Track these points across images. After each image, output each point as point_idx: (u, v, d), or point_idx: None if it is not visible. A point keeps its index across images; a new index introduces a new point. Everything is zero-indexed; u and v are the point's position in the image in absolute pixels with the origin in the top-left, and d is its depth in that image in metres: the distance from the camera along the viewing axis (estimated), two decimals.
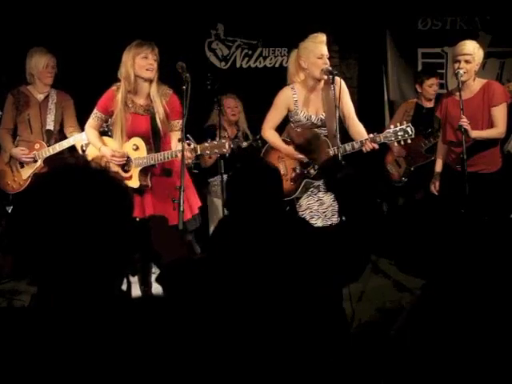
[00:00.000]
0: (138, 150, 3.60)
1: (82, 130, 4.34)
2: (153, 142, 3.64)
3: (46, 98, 4.37)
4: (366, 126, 3.75)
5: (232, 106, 5.10)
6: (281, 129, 3.97)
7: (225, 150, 3.41)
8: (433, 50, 5.67)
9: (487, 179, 3.96)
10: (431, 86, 5.00)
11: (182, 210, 3.24)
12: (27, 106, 4.32)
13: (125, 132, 3.61)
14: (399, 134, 3.42)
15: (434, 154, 4.47)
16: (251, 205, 1.84)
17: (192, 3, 5.68)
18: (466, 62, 3.83)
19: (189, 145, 3.44)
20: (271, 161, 3.75)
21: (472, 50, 3.83)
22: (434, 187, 4.22)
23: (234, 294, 1.67)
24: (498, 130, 3.87)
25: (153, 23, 5.37)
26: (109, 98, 3.67)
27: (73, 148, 4.30)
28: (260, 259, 1.71)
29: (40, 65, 4.23)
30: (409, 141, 3.45)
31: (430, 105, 5.05)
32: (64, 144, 4.26)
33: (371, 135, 3.51)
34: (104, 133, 3.94)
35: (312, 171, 3.76)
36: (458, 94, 3.89)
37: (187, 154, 3.39)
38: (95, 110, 3.73)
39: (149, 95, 3.63)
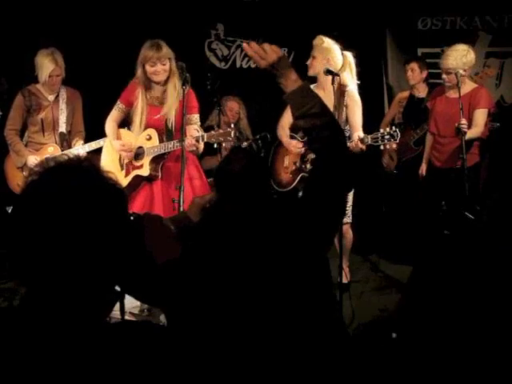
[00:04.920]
0: (150, 140, 3.69)
1: (88, 132, 4.38)
2: (165, 134, 3.72)
3: (57, 97, 4.30)
4: (366, 125, 3.82)
5: (234, 110, 5.04)
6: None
7: (230, 139, 3.48)
8: (433, 49, 5.66)
9: (458, 174, 4.10)
10: (406, 72, 5.10)
11: (182, 210, 3.26)
12: (39, 109, 4.25)
13: (144, 122, 3.70)
14: (386, 137, 3.60)
15: (422, 146, 4.75)
16: (238, 192, 1.84)
17: (192, 3, 5.69)
18: (447, 73, 4.13)
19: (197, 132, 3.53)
20: (280, 154, 4.23)
21: (452, 63, 4.05)
22: (421, 172, 4.55)
23: (226, 281, 1.66)
24: (478, 129, 4.12)
25: (153, 23, 5.38)
26: (130, 90, 3.77)
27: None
28: (248, 244, 1.71)
29: (45, 73, 4.15)
30: (394, 146, 3.59)
31: (421, 95, 5.10)
32: (80, 150, 4.20)
33: (360, 137, 3.68)
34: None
35: (308, 166, 3.93)
36: (450, 91, 4.22)
37: (193, 141, 3.47)
38: (118, 102, 3.83)
39: (165, 90, 3.70)
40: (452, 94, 4.21)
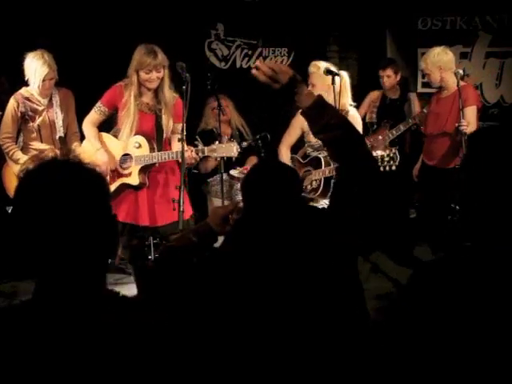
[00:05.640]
0: (140, 148, 3.59)
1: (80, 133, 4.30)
2: (155, 142, 3.63)
3: (50, 100, 4.13)
4: (365, 126, 3.83)
5: (223, 106, 4.99)
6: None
7: (233, 154, 3.40)
8: None
9: (445, 173, 4.23)
10: (382, 78, 5.08)
11: (182, 210, 3.24)
12: (35, 115, 4.08)
13: (134, 129, 3.57)
14: (385, 159, 3.59)
15: (399, 146, 4.71)
16: (271, 204, 1.83)
17: (192, 3, 5.68)
18: (427, 75, 4.31)
19: (196, 146, 3.47)
20: None
21: (424, 66, 4.27)
22: (414, 171, 4.64)
23: (256, 292, 1.67)
24: (473, 128, 4.12)
25: (153, 23, 5.37)
26: (115, 93, 3.63)
27: None
28: (282, 257, 1.71)
29: (38, 77, 3.94)
30: (393, 167, 3.61)
31: (394, 96, 5.12)
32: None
33: None
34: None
35: (309, 187, 3.98)
36: (442, 92, 4.33)
37: (193, 155, 3.40)
38: (99, 104, 3.67)
39: (155, 96, 3.63)
40: (443, 95, 4.33)
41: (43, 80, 3.95)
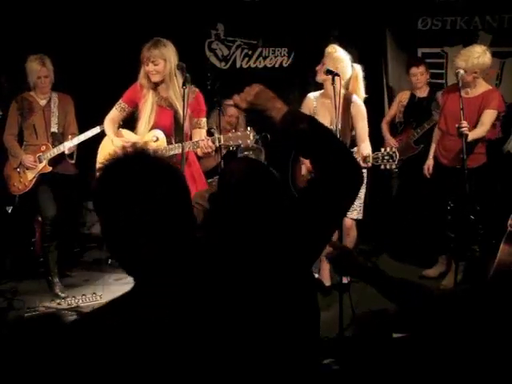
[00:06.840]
0: (157, 142, 3.61)
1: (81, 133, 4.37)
2: (174, 137, 3.66)
3: (49, 102, 4.42)
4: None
5: (234, 116, 5.04)
6: None
7: (249, 142, 3.38)
8: (433, 49, 5.66)
9: (459, 172, 4.07)
10: (414, 75, 5.05)
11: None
12: (31, 113, 4.38)
13: (152, 121, 3.62)
14: (385, 157, 3.64)
15: (424, 144, 4.85)
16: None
17: (192, 3, 5.69)
18: (458, 71, 4.06)
19: (212, 134, 3.47)
20: (298, 162, 4.24)
21: (464, 65, 4.03)
22: (428, 169, 4.50)
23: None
24: (483, 128, 4.13)
25: (153, 23, 5.37)
26: (135, 90, 3.71)
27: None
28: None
29: (34, 76, 4.29)
30: (393, 166, 3.70)
31: (422, 94, 5.11)
32: (66, 145, 4.29)
33: (364, 155, 3.72)
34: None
35: None
36: (463, 91, 4.12)
37: (209, 143, 3.41)
38: (120, 101, 3.76)
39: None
40: (464, 94, 4.14)
41: (38, 77, 4.28)
